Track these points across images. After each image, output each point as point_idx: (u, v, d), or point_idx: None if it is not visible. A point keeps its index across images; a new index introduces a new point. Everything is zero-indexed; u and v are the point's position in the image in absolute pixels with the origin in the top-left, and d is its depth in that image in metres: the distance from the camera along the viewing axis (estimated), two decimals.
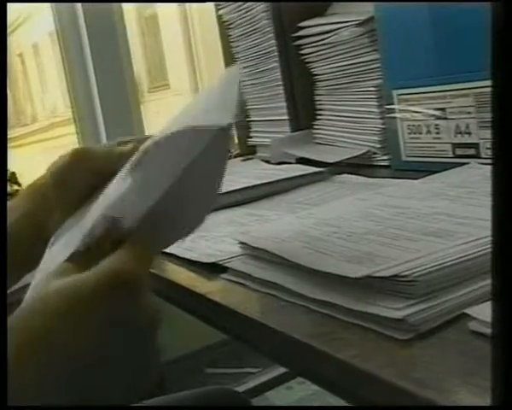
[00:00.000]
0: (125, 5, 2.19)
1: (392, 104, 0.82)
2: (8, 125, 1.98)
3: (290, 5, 1.02)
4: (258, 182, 0.81)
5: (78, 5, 1.91)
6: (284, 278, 0.47)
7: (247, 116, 1.17)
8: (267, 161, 1.04)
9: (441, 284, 0.39)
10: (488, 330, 0.35)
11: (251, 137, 1.17)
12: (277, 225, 0.61)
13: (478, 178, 0.62)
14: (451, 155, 0.76)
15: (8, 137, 1.76)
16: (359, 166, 0.89)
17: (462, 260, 0.40)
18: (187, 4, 5.13)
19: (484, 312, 0.36)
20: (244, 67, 1.13)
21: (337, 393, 0.39)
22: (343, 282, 0.41)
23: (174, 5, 4.94)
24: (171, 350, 2.43)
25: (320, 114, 1.01)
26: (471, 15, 0.69)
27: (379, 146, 0.88)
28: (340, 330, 0.39)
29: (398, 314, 0.36)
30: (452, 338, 0.35)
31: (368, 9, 0.85)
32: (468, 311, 0.36)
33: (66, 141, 2.16)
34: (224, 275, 0.54)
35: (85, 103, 1.93)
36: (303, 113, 1.03)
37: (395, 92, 0.81)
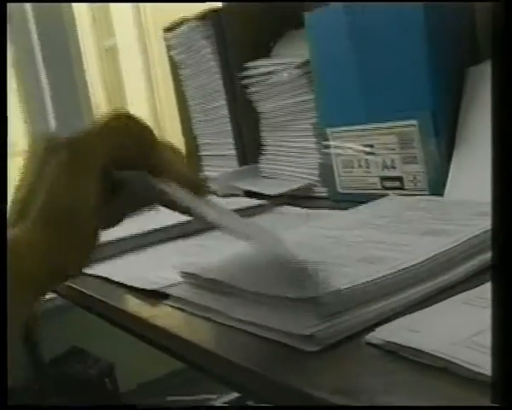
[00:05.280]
0: (83, 36, 2.22)
1: (328, 141, 0.89)
2: None
3: (236, 47, 1.09)
4: None
5: (34, 36, 1.95)
6: (218, 302, 0.52)
7: (198, 151, 1.23)
8: (215, 194, 1.09)
9: (349, 303, 0.45)
10: (380, 342, 0.41)
11: (202, 171, 1.23)
12: (218, 254, 0.66)
13: (397, 208, 0.69)
14: (380, 187, 0.83)
15: None
16: (300, 198, 0.95)
17: (369, 283, 0.46)
18: (146, 37, 5.18)
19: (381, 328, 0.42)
20: (194, 105, 1.19)
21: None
22: (267, 302, 0.47)
23: (134, 37, 4.99)
24: (132, 378, 2.45)
25: (265, 150, 1.08)
26: (395, 65, 0.77)
27: (317, 179, 0.94)
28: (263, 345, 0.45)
29: (308, 331, 0.42)
30: (350, 351, 0.41)
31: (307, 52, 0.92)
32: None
33: None
34: (166, 301, 0.59)
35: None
36: (249, 148, 1.10)
37: (329, 130, 0.88)
